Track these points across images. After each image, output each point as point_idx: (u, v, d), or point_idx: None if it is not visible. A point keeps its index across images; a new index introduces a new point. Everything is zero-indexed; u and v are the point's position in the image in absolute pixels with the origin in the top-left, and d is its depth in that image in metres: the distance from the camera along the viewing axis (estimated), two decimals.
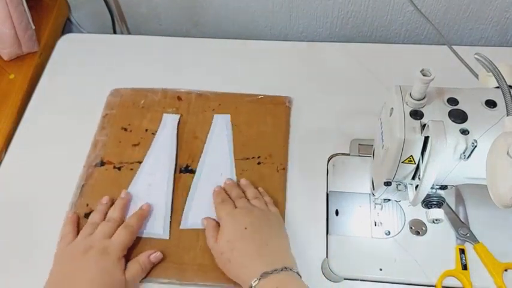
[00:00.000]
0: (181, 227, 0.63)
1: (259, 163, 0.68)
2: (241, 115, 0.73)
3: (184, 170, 0.68)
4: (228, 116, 0.73)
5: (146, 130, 0.72)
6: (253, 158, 0.69)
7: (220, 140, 0.70)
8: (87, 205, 0.65)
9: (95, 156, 0.69)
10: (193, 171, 0.68)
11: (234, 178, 0.67)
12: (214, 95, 0.76)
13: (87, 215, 0.64)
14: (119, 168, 0.68)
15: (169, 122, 0.73)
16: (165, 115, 0.73)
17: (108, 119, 0.73)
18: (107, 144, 0.71)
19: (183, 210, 0.64)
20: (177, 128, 0.72)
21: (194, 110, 0.74)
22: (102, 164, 0.69)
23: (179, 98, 0.75)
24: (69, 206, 0.65)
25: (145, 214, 0.63)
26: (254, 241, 0.55)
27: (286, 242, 0.58)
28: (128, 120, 0.73)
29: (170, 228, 0.63)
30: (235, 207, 0.60)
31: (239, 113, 0.73)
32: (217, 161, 0.68)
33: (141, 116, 0.73)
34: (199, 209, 0.64)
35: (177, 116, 0.73)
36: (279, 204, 0.64)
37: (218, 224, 0.60)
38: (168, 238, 0.62)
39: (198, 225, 0.62)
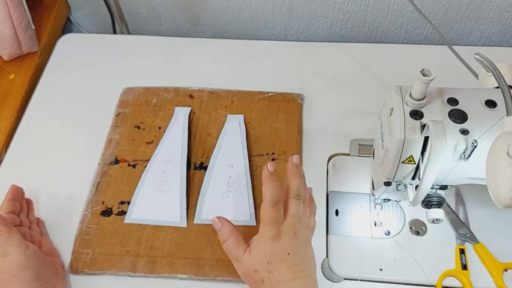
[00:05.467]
0: (194, 221, 0.63)
1: (273, 159, 0.69)
2: (254, 112, 0.74)
3: (199, 167, 0.68)
4: (241, 116, 0.73)
5: (159, 128, 0.72)
6: (267, 154, 0.69)
7: (233, 138, 0.70)
8: (103, 202, 0.65)
9: (109, 154, 0.70)
10: (207, 168, 0.68)
11: (248, 174, 0.67)
12: (226, 93, 0.76)
13: (103, 212, 0.64)
14: (134, 166, 0.69)
15: (180, 114, 0.73)
16: (176, 108, 0.74)
17: (121, 117, 0.74)
18: (121, 142, 0.71)
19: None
20: (189, 119, 0.73)
21: (207, 107, 0.75)
22: (117, 162, 0.69)
23: (191, 96, 0.76)
24: (85, 203, 0.65)
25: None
26: (293, 267, 0.51)
27: (315, 273, 0.54)
28: (140, 119, 0.74)
29: (187, 219, 0.63)
30: (282, 222, 0.52)
31: (251, 110, 0.74)
32: (230, 157, 0.69)
33: (154, 114, 0.74)
34: (211, 204, 0.64)
35: (189, 109, 0.74)
36: None
37: (237, 229, 0.54)
38: (186, 226, 0.63)
39: (210, 220, 0.63)
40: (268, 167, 0.52)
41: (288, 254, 0.51)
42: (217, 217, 0.54)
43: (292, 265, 0.51)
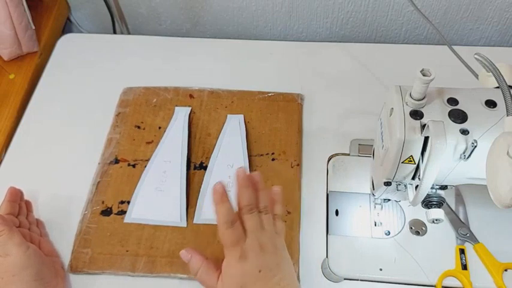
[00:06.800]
0: (194, 221, 0.63)
1: (273, 159, 0.69)
2: (254, 112, 0.74)
3: (199, 167, 0.68)
4: (241, 116, 0.73)
5: (159, 128, 0.73)
6: (267, 154, 0.69)
7: (233, 138, 0.70)
8: (103, 202, 0.65)
9: (109, 154, 0.70)
10: (207, 168, 0.68)
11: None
12: (226, 93, 0.76)
13: (103, 212, 0.65)
14: (134, 166, 0.69)
15: (181, 114, 0.74)
16: (176, 108, 0.74)
17: (121, 117, 0.74)
18: (121, 142, 0.71)
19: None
20: (189, 119, 0.73)
21: (207, 107, 0.75)
22: (117, 161, 0.69)
23: (191, 96, 0.76)
24: (85, 203, 0.65)
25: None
26: (268, 284, 0.48)
27: (293, 275, 0.52)
28: (140, 118, 0.74)
29: (187, 220, 0.63)
30: (245, 240, 0.49)
31: (251, 110, 0.74)
32: (230, 157, 0.69)
33: (154, 114, 0.74)
34: (211, 204, 0.64)
35: (189, 108, 0.74)
36: (295, 201, 0.64)
37: (211, 258, 0.52)
38: (185, 226, 0.63)
39: (211, 220, 0.63)
40: (216, 187, 0.49)
41: (260, 271, 0.48)
42: (185, 249, 0.52)
43: (267, 282, 0.48)
